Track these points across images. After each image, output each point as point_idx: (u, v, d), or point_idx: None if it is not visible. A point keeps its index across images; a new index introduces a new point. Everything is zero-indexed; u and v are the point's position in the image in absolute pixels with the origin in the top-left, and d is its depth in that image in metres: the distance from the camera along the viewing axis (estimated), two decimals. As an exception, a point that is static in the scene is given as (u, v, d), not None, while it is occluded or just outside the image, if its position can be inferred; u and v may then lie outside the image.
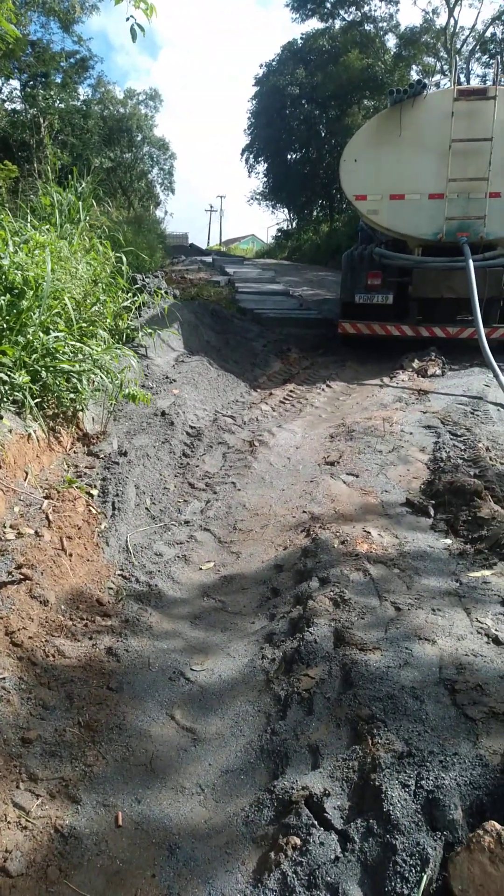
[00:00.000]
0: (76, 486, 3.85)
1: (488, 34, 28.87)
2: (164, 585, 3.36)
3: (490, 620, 2.78)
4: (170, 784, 2.10)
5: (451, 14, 29.20)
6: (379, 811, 1.81)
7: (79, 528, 3.45)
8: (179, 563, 3.60)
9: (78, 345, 4.31)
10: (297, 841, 1.78)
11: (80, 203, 5.34)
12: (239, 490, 4.59)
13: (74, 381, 4.39)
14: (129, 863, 1.85)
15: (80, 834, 1.92)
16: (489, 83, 8.42)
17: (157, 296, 7.12)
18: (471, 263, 7.85)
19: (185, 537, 3.88)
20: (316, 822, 1.82)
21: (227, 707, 2.45)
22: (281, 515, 4.20)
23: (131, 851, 1.88)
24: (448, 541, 3.60)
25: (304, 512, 4.15)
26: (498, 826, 1.73)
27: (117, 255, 5.49)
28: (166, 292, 7.79)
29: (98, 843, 1.90)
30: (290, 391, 7.53)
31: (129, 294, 5.63)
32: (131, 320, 6.23)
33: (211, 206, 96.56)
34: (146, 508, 4.12)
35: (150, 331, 6.30)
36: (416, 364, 8.07)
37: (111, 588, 3.22)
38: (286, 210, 44.22)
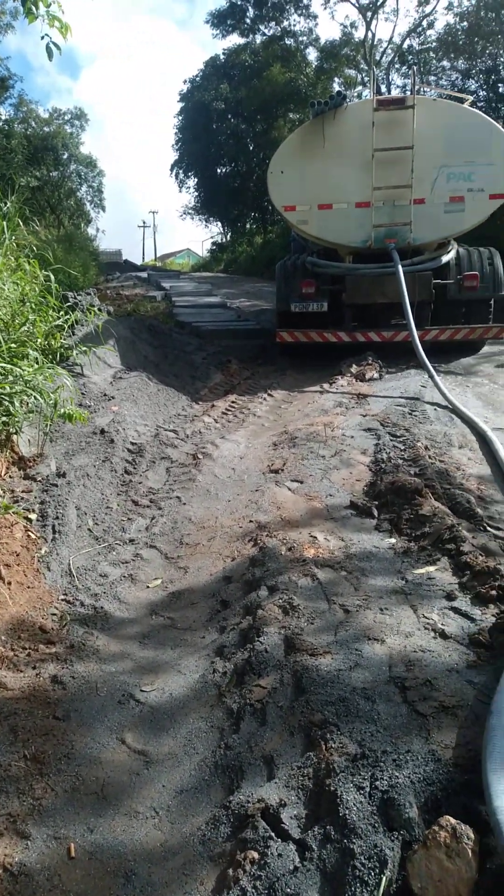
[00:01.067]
0: (13, 512, 3.73)
1: (405, 46, 29.86)
2: (111, 607, 3.28)
3: (436, 615, 2.82)
4: (123, 810, 2.04)
5: (368, 27, 30.11)
6: (335, 816, 1.79)
7: (17, 555, 3.34)
8: (126, 582, 3.53)
9: (7, 366, 4.20)
10: (255, 855, 1.74)
11: (5, 223, 5.22)
12: (184, 504, 4.54)
13: (6, 403, 4.26)
14: (84, 895, 1.78)
15: (30, 870, 1.84)
16: (409, 93, 8.66)
17: (91, 313, 7.01)
18: (400, 269, 8.05)
19: (131, 556, 3.81)
20: (273, 834, 1.80)
21: (179, 726, 2.40)
22: (228, 526, 4.18)
23: (85, 883, 1.81)
24: (392, 540, 3.65)
25: (250, 521, 4.14)
26: (452, 820, 1.74)
27: (46, 273, 5.39)
28: (100, 309, 7.69)
29: (50, 878, 1.82)
30: (232, 402, 7.53)
31: (61, 312, 5.52)
32: (65, 339, 6.11)
33: (144, 222, 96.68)
34: (89, 529, 4.03)
35: (84, 349, 6.20)
36: (354, 369, 8.20)
37: (54, 614, 3.12)
38: (219, 223, 44.59)
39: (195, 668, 2.74)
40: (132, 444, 5.45)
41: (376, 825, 1.76)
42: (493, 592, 2.87)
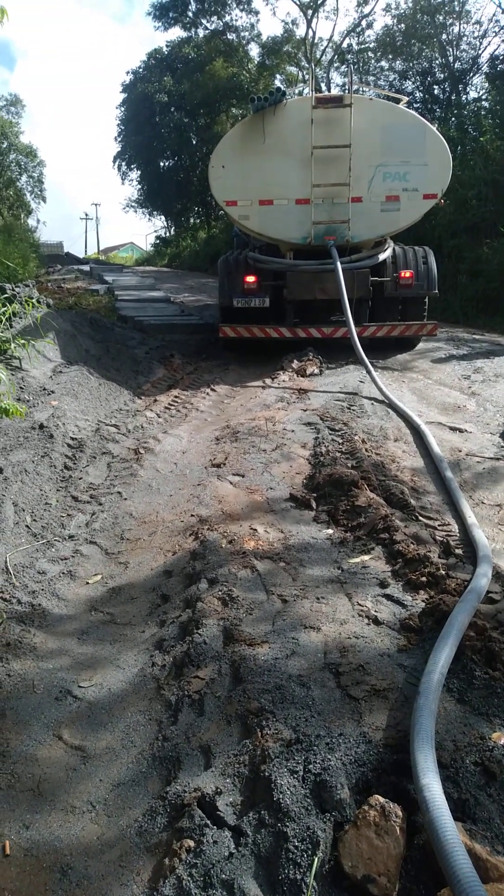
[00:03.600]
0: None
1: (345, 45, 30.24)
2: (49, 604, 3.24)
3: (370, 603, 2.90)
4: (59, 805, 2.03)
5: (309, 25, 30.36)
6: (270, 801, 1.84)
7: (-49, 553, 3.26)
8: (64, 579, 3.49)
9: None
10: (191, 843, 1.77)
11: None
12: (125, 499, 4.52)
13: None
14: (19, 892, 1.76)
15: (-37, 873, 1.81)
16: (347, 92, 8.78)
17: (30, 305, 6.87)
18: (339, 266, 8.18)
19: (70, 552, 3.77)
20: (209, 822, 1.82)
21: (117, 720, 2.40)
22: (169, 521, 4.18)
23: (21, 880, 1.80)
24: (330, 531, 3.73)
25: (192, 515, 4.15)
26: (381, 799, 1.81)
27: (-20, 264, 5.26)
28: (39, 301, 7.53)
29: (-16, 879, 1.80)
30: (175, 397, 7.51)
31: (-3, 305, 5.40)
32: (2, 331, 5.97)
33: (86, 215, 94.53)
34: (26, 526, 3.96)
35: (23, 342, 6.07)
36: (295, 364, 8.29)
37: (-10, 612, 3.07)
38: (163, 217, 44.18)
39: (134, 663, 2.74)
40: (72, 439, 5.38)
41: (309, 808, 1.81)
42: (423, 579, 2.98)
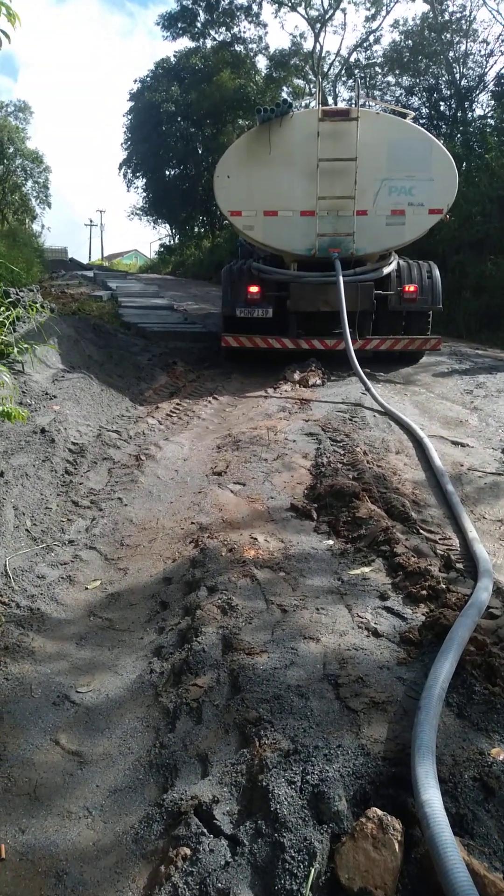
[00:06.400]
0: None
1: (352, 59, 30.53)
2: (48, 608, 3.24)
3: (370, 615, 2.90)
4: (55, 810, 2.02)
5: (316, 39, 30.66)
6: (267, 811, 1.83)
7: (-49, 555, 3.25)
8: (64, 584, 3.49)
9: None
10: (187, 851, 1.76)
11: None
12: (126, 505, 4.52)
13: None
14: (14, 897, 1.76)
15: (-43, 877, 1.80)
16: (354, 105, 8.84)
17: (33, 310, 6.89)
18: (340, 278, 8.21)
19: (70, 557, 3.76)
20: (206, 830, 1.82)
21: (114, 726, 2.39)
22: (169, 528, 4.18)
23: (16, 884, 1.79)
24: (330, 541, 3.73)
25: (192, 523, 4.15)
26: (379, 812, 1.81)
27: (-14, 268, 5.29)
28: (42, 306, 7.56)
29: (-22, 884, 1.79)
30: (177, 404, 7.52)
31: (2, 308, 5.41)
32: (5, 335, 5.99)
33: (91, 221, 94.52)
34: (26, 530, 3.96)
35: (26, 346, 6.08)
36: (297, 375, 8.31)
37: (-11, 615, 3.06)
38: (167, 225, 44.39)
39: (132, 669, 2.73)
40: (73, 444, 5.38)
41: (306, 818, 1.81)
42: (424, 592, 2.98)
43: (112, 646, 2.96)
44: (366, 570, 3.33)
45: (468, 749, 2.08)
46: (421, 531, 3.82)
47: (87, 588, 3.49)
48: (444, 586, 3.06)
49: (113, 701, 2.54)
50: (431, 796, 1.76)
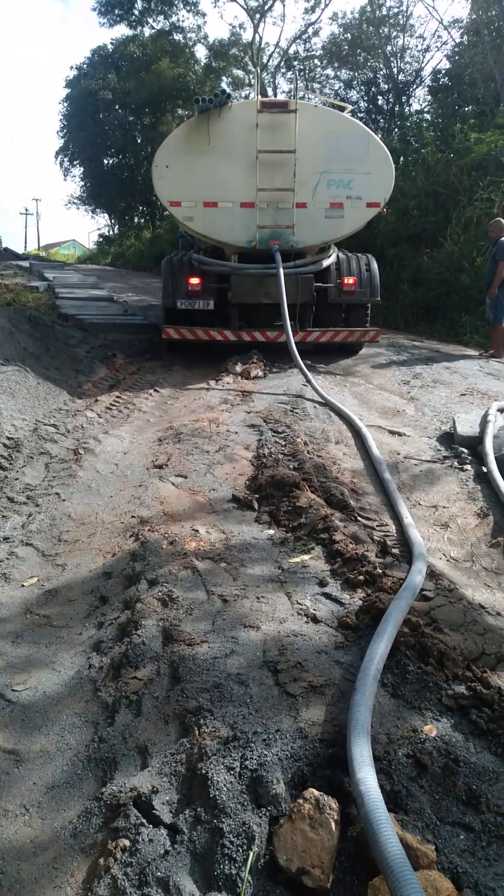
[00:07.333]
0: None
1: (292, 51, 30.57)
2: (-17, 607, 3.15)
3: (309, 601, 2.95)
4: (-10, 812, 1.98)
5: (255, 30, 30.66)
6: (206, 798, 1.84)
7: None
8: (-1, 581, 3.40)
9: None
10: (126, 842, 1.76)
11: None
12: (64, 500, 4.44)
13: None
14: None
15: None
16: (292, 97, 8.86)
17: (-35, 302, 6.67)
18: (281, 270, 8.25)
19: (5, 555, 3.67)
20: (145, 821, 1.82)
21: (52, 723, 2.36)
22: (109, 522, 4.13)
23: None
24: (271, 531, 3.76)
25: (132, 517, 4.11)
26: (316, 792, 1.84)
27: None
28: (-25, 298, 7.31)
29: None
30: (117, 397, 7.42)
31: None
32: None
33: (26, 210, 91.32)
34: (-40, 527, 3.84)
35: (-43, 339, 5.89)
36: (239, 367, 8.32)
37: None
38: (107, 215, 43.53)
39: (70, 665, 2.70)
40: (8, 438, 5.25)
41: (245, 803, 1.83)
42: (361, 577, 3.05)
43: (49, 643, 2.91)
44: (305, 557, 3.37)
45: (402, 727, 2.15)
46: (359, 518, 3.90)
47: (23, 585, 3.41)
48: (380, 571, 3.14)
49: (50, 698, 2.50)
50: (366, 774, 1.81)
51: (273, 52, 31.48)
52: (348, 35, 26.28)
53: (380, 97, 26.66)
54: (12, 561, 3.61)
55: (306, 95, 22.08)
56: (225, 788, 1.85)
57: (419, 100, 25.91)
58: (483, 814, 1.88)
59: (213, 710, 2.20)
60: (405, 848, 1.64)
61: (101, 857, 1.75)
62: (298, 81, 9.03)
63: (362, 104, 26.18)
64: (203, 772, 1.91)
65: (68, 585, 3.42)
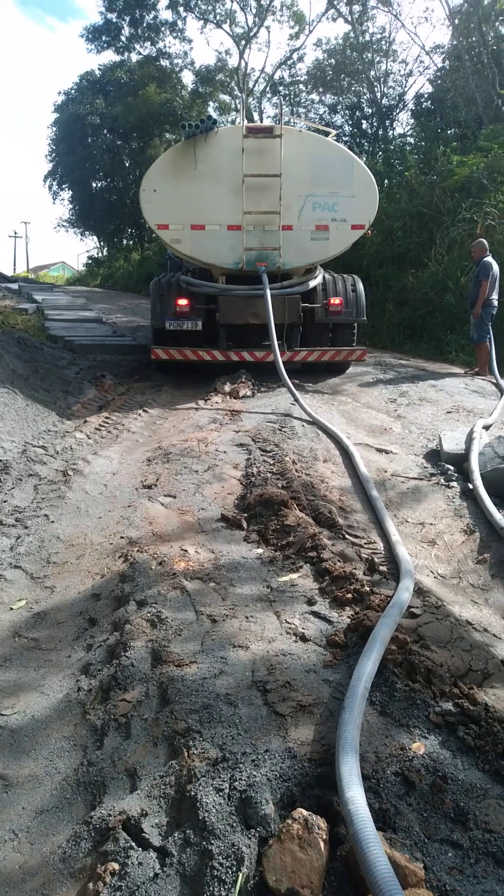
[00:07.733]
0: None
1: (277, 77, 31.16)
2: (-29, 630, 3.14)
3: (297, 620, 2.96)
4: (-22, 838, 1.97)
5: (241, 56, 31.16)
6: (195, 820, 1.84)
7: None
8: (-13, 604, 3.39)
9: None
10: (116, 866, 1.75)
11: None
12: (52, 522, 4.43)
13: None
14: None
15: None
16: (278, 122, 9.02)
17: (-46, 324, 6.69)
18: (268, 291, 8.35)
19: (-6, 577, 3.66)
20: (134, 844, 1.81)
21: (41, 747, 2.35)
22: (98, 543, 4.12)
23: None
24: (260, 550, 3.78)
25: (121, 537, 4.12)
26: (305, 812, 1.85)
27: None
28: (-36, 321, 7.34)
29: None
30: (106, 418, 7.44)
31: None
32: None
33: (15, 232, 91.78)
34: None
35: None
36: (227, 387, 8.38)
37: None
38: (95, 237, 43.83)
39: (59, 688, 2.69)
40: (-3, 461, 5.24)
41: (234, 824, 1.83)
42: (349, 595, 3.07)
43: (38, 666, 2.90)
44: (294, 576, 3.39)
45: (390, 745, 2.16)
46: (347, 536, 3.92)
47: (11, 608, 3.40)
48: (368, 589, 3.16)
49: (39, 721, 2.49)
50: (355, 794, 1.81)
51: (259, 77, 32.14)
52: (332, 60, 26.87)
53: (364, 121, 27.19)
54: (0, 584, 3.60)
55: (291, 120, 22.47)
56: (214, 810, 1.85)
57: (402, 123, 26.47)
58: (471, 831, 1.89)
59: (202, 731, 2.20)
60: (394, 866, 1.65)
61: (90, 882, 1.74)
62: (284, 106, 9.20)
63: (347, 128, 26.69)
64: (192, 794, 1.91)
65: (57, 608, 3.41)
